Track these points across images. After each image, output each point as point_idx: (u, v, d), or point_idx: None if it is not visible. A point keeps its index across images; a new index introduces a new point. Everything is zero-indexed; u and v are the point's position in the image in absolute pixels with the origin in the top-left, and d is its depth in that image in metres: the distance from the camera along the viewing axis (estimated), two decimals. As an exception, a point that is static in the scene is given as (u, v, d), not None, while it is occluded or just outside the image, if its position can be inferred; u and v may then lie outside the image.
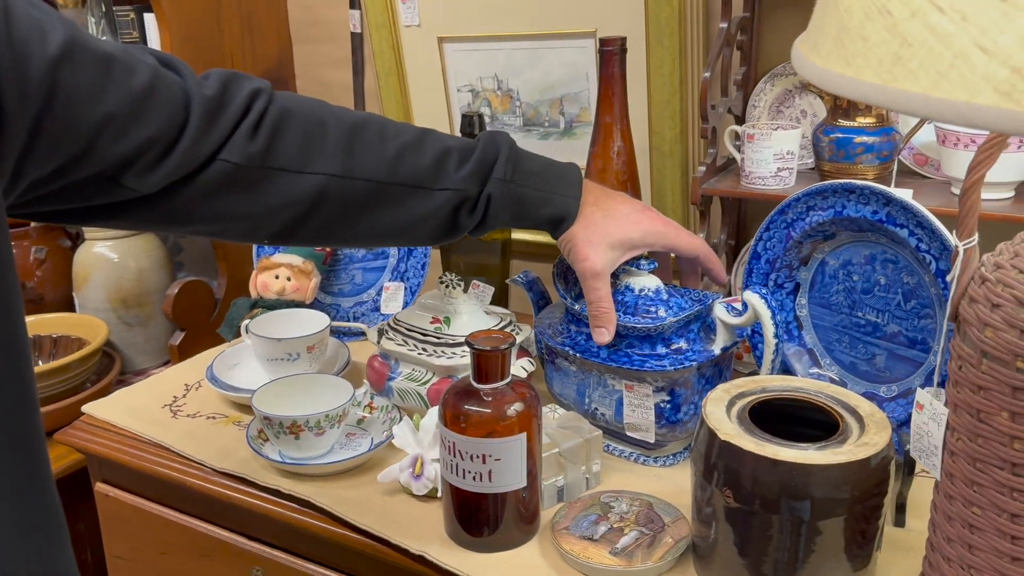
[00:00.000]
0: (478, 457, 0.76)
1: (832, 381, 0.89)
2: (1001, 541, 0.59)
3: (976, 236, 0.61)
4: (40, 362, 1.40)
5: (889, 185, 0.94)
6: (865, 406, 0.72)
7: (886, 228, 0.79)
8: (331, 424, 0.91)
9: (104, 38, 1.40)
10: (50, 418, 1.24)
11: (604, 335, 0.86)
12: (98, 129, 0.58)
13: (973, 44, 0.42)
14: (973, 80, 0.42)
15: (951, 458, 0.62)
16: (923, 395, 0.66)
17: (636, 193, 1.10)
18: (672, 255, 0.94)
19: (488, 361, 0.76)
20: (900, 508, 0.80)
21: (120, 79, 0.59)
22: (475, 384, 0.77)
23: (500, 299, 1.26)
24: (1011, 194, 0.90)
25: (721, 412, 0.72)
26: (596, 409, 0.92)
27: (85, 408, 1.07)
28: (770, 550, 0.68)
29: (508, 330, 0.98)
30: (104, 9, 1.40)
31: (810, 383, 0.76)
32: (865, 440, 0.68)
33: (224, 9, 1.42)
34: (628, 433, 0.91)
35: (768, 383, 0.76)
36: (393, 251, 1.27)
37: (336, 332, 1.22)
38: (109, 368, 1.42)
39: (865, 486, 0.66)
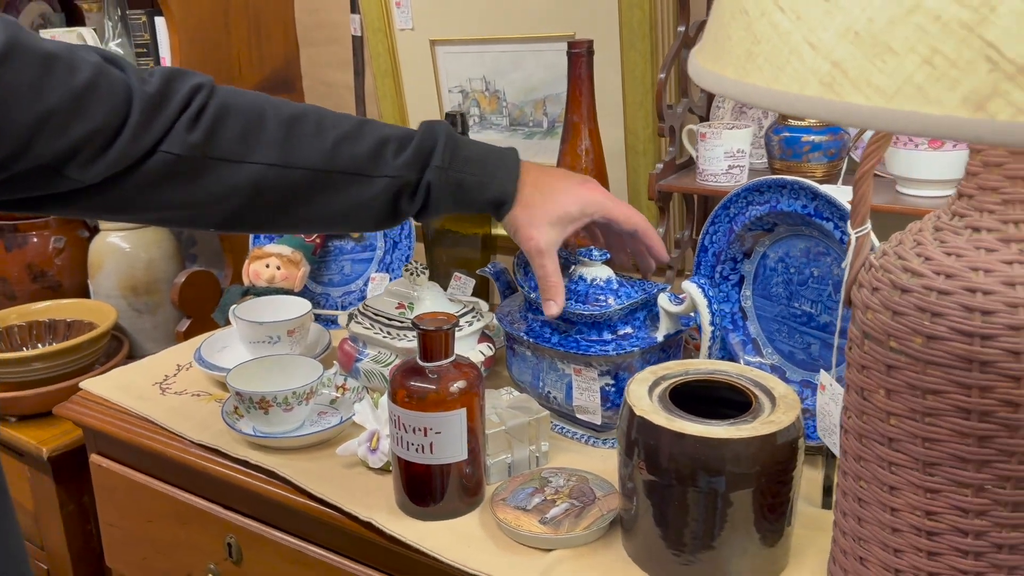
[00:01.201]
0: (420, 430, 0.81)
1: (772, 369, 0.92)
2: (883, 513, 0.62)
3: (868, 224, 0.65)
4: (54, 344, 1.49)
5: (836, 183, 0.97)
6: (781, 388, 0.75)
7: (815, 221, 0.83)
8: (299, 401, 0.96)
9: (118, 40, 1.48)
10: (57, 395, 1.32)
11: (553, 307, 0.89)
12: (39, 124, 0.64)
13: (804, 40, 0.46)
14: (803, 73, 0.46)
15: (845, 436, 0.66)
16: (825, 377, 0.70)
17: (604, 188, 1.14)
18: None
19: (431, 340, 0.82)
20: (827, 491, 0.84)
21: (61, 77, 0.65)
22: (420, 362, 0.83)
23: (482, 291, 1.32)
24: (951, 191, 0.93)
25: (643, 391, 0.76)
26: (549, 392, 0.96)
27: (82, 384, 1.14)
28: (687, 521, 0.72)
29: (469, 317, 1.03)
30: (120, 13, 1.49)
31: (733, 367, 0.80)
32: (772, 418, 0.71)
33: (232, 12, 1.50)
34: (577, 415, 0.95)
35: (692, 366, 0.80)
36: (380, 244, 1.33)
37: (323, 319, 1.28)
38: (118, 351, 1.50)
39: (768, 460, 0.70)
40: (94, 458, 1.14)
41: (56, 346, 1.37)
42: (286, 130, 0.79)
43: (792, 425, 0.71)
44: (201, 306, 1.53)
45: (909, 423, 0.59)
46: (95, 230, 1.62)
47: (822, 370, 0.70)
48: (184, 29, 1.42)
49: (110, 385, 1.13)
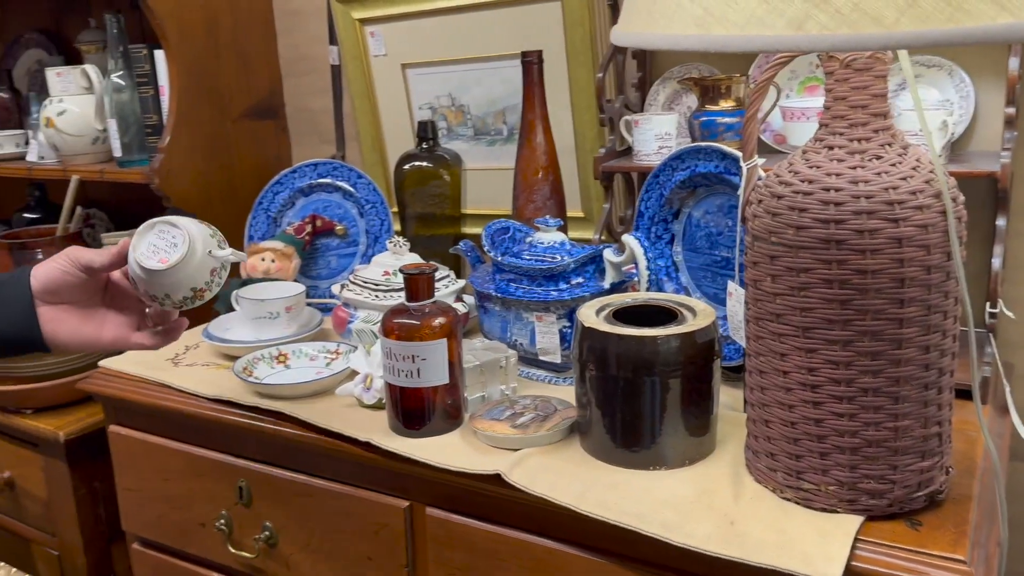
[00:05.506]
0: (408, 358, 0.97)
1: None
2: (777, 378, 0.80)
3: (755, 159, 0.84)
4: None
5: (748, 156, 1.16)
6: (701, 306, 0.93)
7: (726, 178, 1.01)
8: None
9: (119, 72, 1.65)
10: (71, 388, 1.45)
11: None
12: None
13: (684, -3, 0.65)
14: (684, 20, 0.65)
15: (747, 325, 0.83)
16: (731, 285, 0.87)
17: (556, 177, 1.33)
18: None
19: (416, 283, 0.98)
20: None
21: None
22: (407, 303, 0.99)
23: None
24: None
25: (591, 312, 0.93)
26: (516, 340, 1.13)
27: (101, 363, 1.28)
28: (631, 410, 0.88)
29: (446, 280, 1.20)
30: (122, 49, 1.66)
31: (665, 295, 0.97)
32: (693, 323, 0.89)
33: (222, 48, 1.68)
34: (541, 357, 1.12)
35: (632, 296, 0.97)
36: (363, 240, 1.50)
37: (313, 308, 1.44)
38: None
39: (692, 353, 0.87)
40: (112, 428, 1.27)
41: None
42: None
43: (708, 327, 0.88)
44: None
45: (790, 299, 0.76)
46: (99, 244, 1.77)
47: (729, 281, 0.87)
48: (180, 61, 1.60)
49: (126, 362, 1.27)
